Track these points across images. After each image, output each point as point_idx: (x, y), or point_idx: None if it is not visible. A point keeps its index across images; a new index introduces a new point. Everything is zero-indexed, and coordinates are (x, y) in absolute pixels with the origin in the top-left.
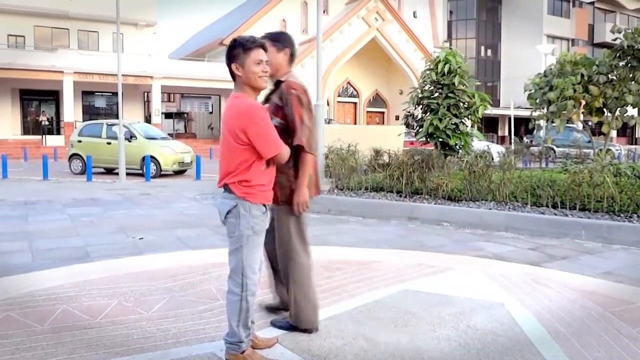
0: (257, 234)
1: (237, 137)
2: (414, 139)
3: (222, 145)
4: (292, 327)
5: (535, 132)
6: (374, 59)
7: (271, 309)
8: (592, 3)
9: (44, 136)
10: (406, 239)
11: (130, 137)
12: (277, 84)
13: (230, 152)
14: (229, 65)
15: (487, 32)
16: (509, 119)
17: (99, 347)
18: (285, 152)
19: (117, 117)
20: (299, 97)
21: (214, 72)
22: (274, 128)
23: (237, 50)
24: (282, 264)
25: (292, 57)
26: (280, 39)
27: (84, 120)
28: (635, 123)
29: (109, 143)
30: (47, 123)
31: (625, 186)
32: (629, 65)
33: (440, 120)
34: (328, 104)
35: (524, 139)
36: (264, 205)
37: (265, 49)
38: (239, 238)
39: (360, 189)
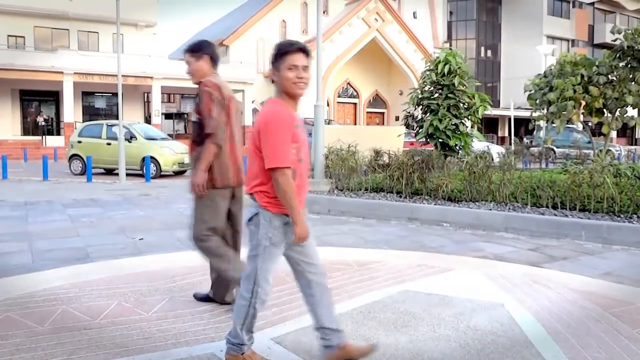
0: (274, 245)
1: (255, 142)
2: (414, 140)
3: (250, 149)
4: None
5: (535, 132)
6: (373, 59)
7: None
8: (592, 4)
9: (43, 137)
10: (406, 240)
11: (130, 137)
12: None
13: (251, 157)
14: (270, 70)
15: (487, 32)
16: (509, 119)
17: (98, 348)
18: (286, 171)
19: (117, 117)
20: (210, 93)
21: None
22: (288, 141)
23: (274, 54)
24: (194, 241)
25: (213, 61)
26: (197, 48)
27: (84, 121)
28: (635, 124)
29: (109, 144)
30: (44, 123)
31: (625, 187)
32: (629, 65)
33: (440, 120)
34: (328, 105)
35: (524, 139)
36: (287, 216)
37: (306, 53)
38: (256, 246)
39: (360, 190)
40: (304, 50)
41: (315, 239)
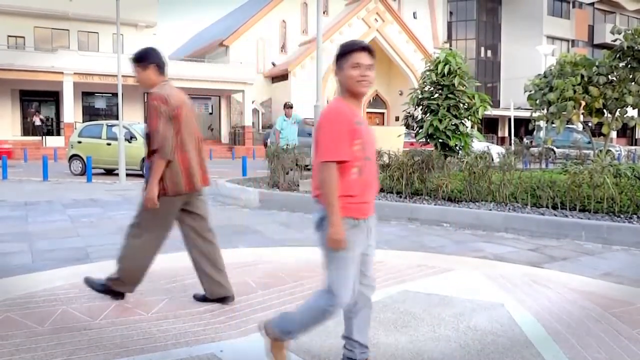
0: (345, 249)
1: (316, 141)
2: (414, 140)
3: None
4: (105, 291)
5: (535, 133)
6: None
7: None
8: (592, 4)
9: (43, 137)
10: (406, 240)
11: (130, 138)
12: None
13: (315, 157)
14: (334, 69)
15: (487, 32)
16: (509, 119)
17: (98, 348)
18: (331, 166)
19: (117, 118)
20: (156, 107)
21: (214, 73)
22: (342, 137)
23: (338, 54)
24: (126, 236)
25: (160, 69)
26: (143, 58)
27: (84, 121)
28: (635, 124)
29: (109, 144)
30: (39, 123)
31: (625, 187)
32: (629, 66)
33: (440, 121)
34: None
35: (524, 139)
36: (355, 219)
37: (370, 53)
38: (326, 252)
39: None
40: (368, 49)
41: (316, 240)
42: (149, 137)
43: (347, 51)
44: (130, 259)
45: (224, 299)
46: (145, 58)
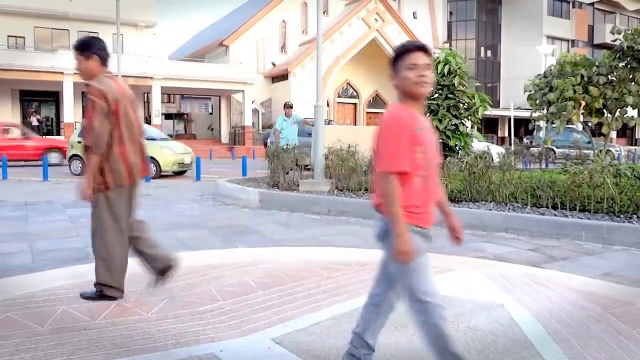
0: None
1: (374, 149)
2: None
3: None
4: (100, 297)
5: (535, 133)
6: (374, 59)
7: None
8: (592, 4)
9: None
10: None
11: None
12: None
13: (376, 167)
14: (390, 74)
15: (487, 32)
16: (509, 119)
17: (98, 348)
18: (392, 177)
19: None
20: (93, 102)
21: (214, 73)
22: (403, 145)
23: (393, 57)
24: (92, 238)
25: (103, 60)
26: (86, 47)
27: None
28: (635, 124)
29: None
30: (37, 123)
31: (625, 187)
32: (629, 66)
33: (440, 121)
34: (328, 105)
35: (524, 139)
36: (420, 227)
37: (427, 52)
38: (397, 264)
39: (360, 190)
40: (423, 48)
41: (315, 239)
42: (84, 132)
43: (401, 53)
44: (106, 260)
45: (169, 268)
46: (89, 47)
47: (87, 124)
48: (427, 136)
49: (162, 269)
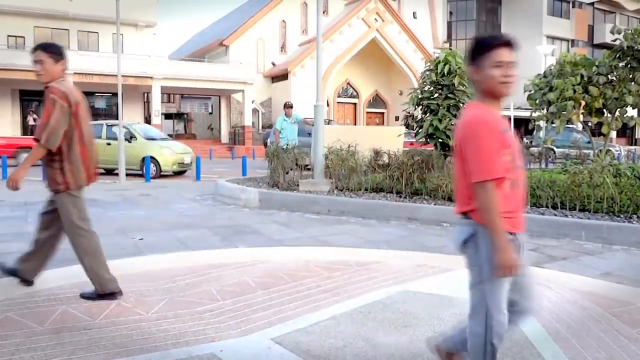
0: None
1: (460, 154)
2: (414, 140)
3: (454, 163)
4: (100, 296)
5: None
6: (373, 59)
7: (6, 271)
8: (592, 4)
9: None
10: (406, 240)
11: (130, 137)
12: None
13: (458, 171)
14: (468, 67)
15: (487, 32)
16: (509, 119)
17: (98, 348)
18: (489, 185)
19: (117, 117)
20: (55, 101)
21: (214, 73)
22: (494, 150)
23: (474, 50)
24: (70, 241)
25: (66, 66)
26: (59, 51)
27: None
28: (635, 124)
29: (108, 144)
30: (34, 123)
31: (625, 187)
32: (629, 66)
33: (440, 120)
34: (328, 105)
35: (524, 139)
36: (512, 233)
37: (512, 47)
38: (479, 271)
39: (360, 190)
40: (510, 44)
41: (315, 239)
42: (37, 128)
43: (486, 48)
44: (89, 257)
45: (27, 282)
46: (60, 52)
47: (43, 120)
48: (512, 138)
49: (26, 274)
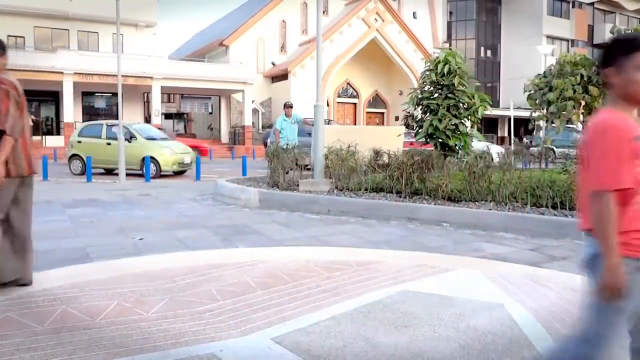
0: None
1: (585, 161)
2: (414, 140)
3: (579, 172)
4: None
5: (535, 132)
6: (373, 59)
7: None
8: (592, 4)
9: (43, 137)
10: (406, 240)
11: (130, 137)
12: None
13: (583, 182)
14: (602, 69)
15: (487, 32)
16: (509, 119)
17: (98, 348)
18: (605, 196)
19: (117, 117)
20: (7, 91)
21: (214, 73)
22: (619, 159)
23: (616, 50)
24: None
25: (7, 60)
26: (1, 45)
27: (83, 121)
28: None
29: (108, 144)
30: (31, 123)
31: None
32: None
33: (440, 120)
34: (328, 105)
35: (524, 139)
36: (639, 259)
37: None
38: (594, 298)
39: (360, 190)
40: None
41: (315, 239)
42: (1, 118)
43: (632, 49)
44: None
45: (13, 281)
46: (4, 47)
47: (2, 111)
48: None
49: (10, 280)
